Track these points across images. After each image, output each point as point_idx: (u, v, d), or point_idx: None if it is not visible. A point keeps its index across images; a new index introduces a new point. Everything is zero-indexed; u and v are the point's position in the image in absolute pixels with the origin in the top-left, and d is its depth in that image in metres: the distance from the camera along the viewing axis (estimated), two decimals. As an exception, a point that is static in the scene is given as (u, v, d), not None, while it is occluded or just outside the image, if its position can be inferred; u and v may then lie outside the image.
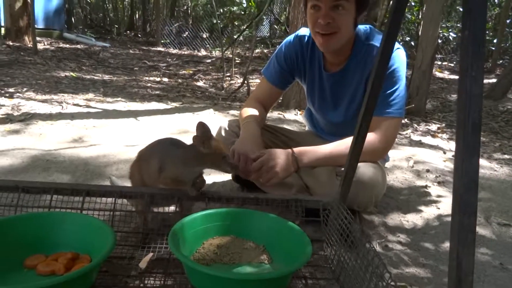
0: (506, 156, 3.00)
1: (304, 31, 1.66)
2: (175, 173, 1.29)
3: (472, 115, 0.74)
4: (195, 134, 1.27)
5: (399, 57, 1.49)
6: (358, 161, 1.34)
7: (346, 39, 1.49)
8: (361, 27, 1.57)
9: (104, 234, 1.09)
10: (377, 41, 1.52)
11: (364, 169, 1.47)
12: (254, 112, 1.69)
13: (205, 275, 0.99)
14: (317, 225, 1.46)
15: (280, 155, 1.45)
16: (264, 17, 10.37)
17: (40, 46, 6.54)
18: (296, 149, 1.50)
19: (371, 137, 1.44)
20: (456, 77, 7.28)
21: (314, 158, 1.50)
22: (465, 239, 0.74)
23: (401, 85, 1.50)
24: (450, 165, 2.57)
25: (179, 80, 5.15)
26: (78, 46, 7.58)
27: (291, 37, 1.68)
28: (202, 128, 1.27)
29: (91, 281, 1.01)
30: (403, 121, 3.92)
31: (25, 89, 3.68)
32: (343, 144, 1.50)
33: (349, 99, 1.62)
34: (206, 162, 1.29)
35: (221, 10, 8.41)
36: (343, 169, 1.46)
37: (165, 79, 5.13)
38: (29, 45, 6.53)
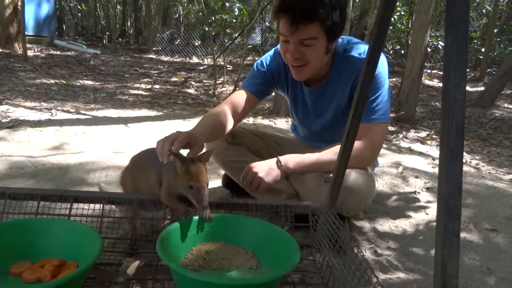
0: (494, 163, 3.04)
1: None
2: (167, 187, 1.24)
3: (455, 119, 0.75)
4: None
5: (380, 63, 1.50)
6: (347, 167, 1.35)
7: (318, 68, 1.48)
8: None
9: (91, 240, 1.08)
10: (355, 50, 1.52)
11: (353, 175, 1.48)
12: (216, 116, 1.59)
13: (192, 281, 0.98)
14: (307, 230, 1.46)
15: (261, 163, 1.49)
16: (256, 25, 10.44)
17: (30, 53, 6.50)
18: (282, 157, 1.51)
19: (358, 144, 1.45)
20: (445, 85, 7.39)
21: (301, 165, 1.51)
22: (450, 243, 0.75)
23: (384, 90, 1.51)
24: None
25: (171, 87, 5.15)
26: (69, 53, 7.55)
27: (271, 53, 1.66)
28: (207, 152, 1.23)
29: (78, 287, 1.00)
30: (393, 128, 3.95)
31: (14, 95, 3.65)
32: (330, 151, 1.51)
33: (333, 110, 1.62)
34: (178, 184, 1.19)
35: (213, 18, 8.45)
36: (331, 175, 1.47)
37: (156, 86, 5.13)
38: (19, 52, 6.48)
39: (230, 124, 1.61)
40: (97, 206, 1.32)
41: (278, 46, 1.66)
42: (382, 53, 1.47)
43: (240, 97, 1.67)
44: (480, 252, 1.61)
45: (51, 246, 1.13)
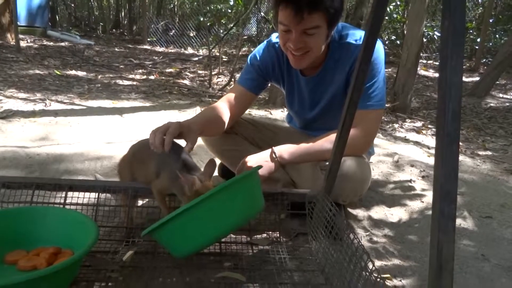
0: (489, 152, 3.05)
1: (276, 38, 1.60)
2: (163, 186, 1.24)
3: (452, 103, 0.75)
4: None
5: (376, 48, 1.49)
6: (343, 155, 1.35)
7: (317, 55, 1.47)
8: None
9: (86, 228, 1.08)
10: (350, 37, 1.51)
11: (349, 162, 1.48)
12: (213, 112, 1.59)
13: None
14: (303, 219, 1.47)
15: (255, 156, 1.50)
16: (251, 15, 10.36)
17: (23, 44, 6.42)
18: (277, 148, 1.51)
19: (352, 131, 1.44)
20: (441, 75, 7.40)
21: (295, 155, 1.51)
22: (445, 226, 0.75)
23: (380, 76, 1.51)
24: (434, 161, 2.61)
25: (166, 78, 5.12)
26: (62, 44, 7.46)
27: (263, 45, 1.64)
28: (208, 167, 1.20)
29: (74, 274, 1.00)
30: (388, 118, 3.96)
31: (6, 86, 3.61)
32: (325, 139, 1.51)
33: (330, 97, 1.62)
34: (182, 200, 1.19)
35: (208, 8, 8.37)
36: (327, 163, 1.47)
37: (151, 77, 5.09)
38: (11, 43, 6.40)
39: (227, 119, 1.60)
40: (93, 195, 1.32)
41: (271, 37, 1.64)
42: (378, 39, 1.46)
43: (236, 93, 1.66)
44: (474, 239, 1.62)
45: (46, 234, 1.13)
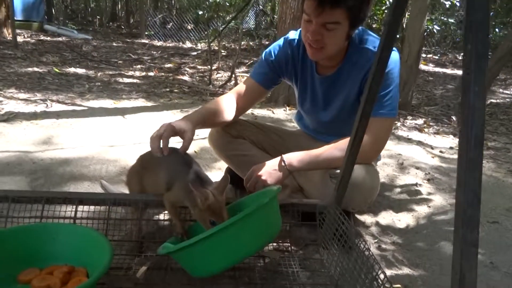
0: (491, 151, 3.06)
1: (293, 35, 1.64)
2: (176, 198, 1.23)
3: (475, 129, 0.74)
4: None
5: (394, 60, 1.49)
6: (354, 165, 1.35)
7: (335, 52, 1.48)
8: None
9: (99, 245, 1.07)
10: (370, 43, 1.51)
11: (359, 171, 1.47)
12: (218, 102, 1.62)
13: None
14: (311, 226, 1.47)
15: (264, 165, 1.50)
16: (249, 9, 10.27)
17: (20, 39, 6.35)
18: (286, 156, 1.50)
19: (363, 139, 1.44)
20: (441, 70, 7.38)
21: (305, 163, 1.51)
22: (468, 253, 0.75)
23: (394, 86, 1.52)
24: (438, 162, 2.61)
25: (165, 74, 5.08)
26: (60, 38, 7.38)
27: (280, 41, 1.66)
28: (222, 182, 1.19)
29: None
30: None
31: (6, 86, 3.57)
32: (335, 147, 1.50)
33: (342, 101, 1.62)
34: (195, 214, 1.19)
35: (207, 3, 8.29)
36: (337, 171, 1.47)
37: (151, 73, 5.05)
38: (8, 38, 6.33)
39: (231, 113, 1.63)
40: (103, 208, 1.31)
41: (288, 34, 1.65)
42: (395, 50, 1.46)
43: (247, 86, 1.68)
44: (482, 246, 1.63)
45: (59, 251, 1.12)
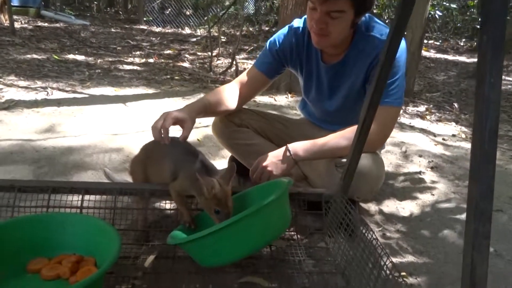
0: (494, 138, 3.05)
1: (298, 23, 1.62)
2: (182, 187, 1.24)
3: (490, 121, 0.74)
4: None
5: (400, 48, 1.47)
6: (361, 155, 1.34)
7: (340, 40, 1.47)
8: None
9: (108, 235, 1.07)
10: (377, 31, 1.50)
11: (365, 160, 1.47)
12: (220, 91, 1.63)
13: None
14: (316, 215, 1.47)
15: (269, 155, 1.50)
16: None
17: (17, 25, 6.26)
18: (291, 145, 1.50)
19: None
20: (443, 56, 7.33)
21: (311, 152, 1.50)
22: (480, 246, 0.75)
23: (401, 75, 1.51)
24: (441, 150, 2.61)
25: (165, 61, 5.04)
26: (57, 24, 7.29)
27: (285, 30, 1.64)
28: (228, 172, 1.19)
29: (102, 284, 1.00)
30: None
31: (6, 73, 3.53)
32: (341, 136, 1.50)
33: (347, 89, 1.61)
34: (201, 203, 1.19)
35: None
36: (343, 160, 1.46)
37: (150, 60, 5.00)
38: (5, 24, 6.23)
39: (233, 102, 1.64)
40: (109, 197, 1.31)
41: (293, 23, 1.63)
42: (403, 39, 1.44)
43: (251, 75, 1.68)
44: (486, 234, 1.64)
45: (67, 241, 1.13)
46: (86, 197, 1.29)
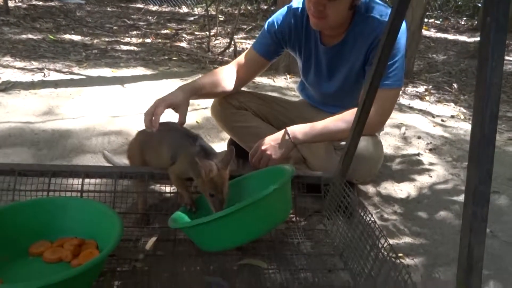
0: (492, 119, 3.05)
1: (297, 3, 1.58)
2: (181, 170, 1.24)
3: (490, 104, 0.74)
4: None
5: (401, 29, 1.45)
6: (360, 138, 1.34)
7: (338, 22, 1.45)
8: None
9: (109, 218, 1.08)
10: (377, 12, 1.47)
11: (364, 143, 1.47)
12: (216, 72, 1.64)
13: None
14: (315, 197, 1.48)
15: (268, 139, 1.50)
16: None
17: (11, 4, 6.13)
18: (290, 128, 1.49)
19: None
20: (443, 35, 7.24)
21: (310, 135, 1.50)
22: (477, 229, 0.76)
23: (400, 57, 1.49)
24: (439, 131, 2.61)
25: (162, 41, 4.97)
26: (52, 3, 7.14)
27: (283, 10, 1.61)
28: (227, 155, 1.20)
29: (103, 267, 1.02)
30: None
31: (1, 54, 3.49)
32: (340, 119, 1.49)
33: (346, 71, 1.60)
34: (198, 184, 1.20)
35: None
36: (342, 143, 1.47)
37: (148, 40, 4.94)
38: (-1, 3, 6.12)
39: (230, 83, 1.63)
40: (109, 180, 1.31)
41: (291, 3, 1.60)
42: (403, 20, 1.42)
43: (249, 57, 1.66)
44: (483, 215, 1.65)
45: (68, 224, 1.14)
46: (86, 180, 1.29)
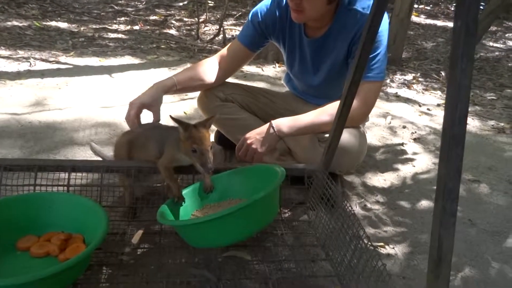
0: (477, 108, 3.10)
1: None
2: (169, 158, 1.27)
3: (460, 105, 0.76)
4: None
5: (382, 21, 1.47)
6: (342, 131, 1.37)
7: (316, 16, 1.47)
8: None
9: (95, 213, 1.10)
10: (359, 5, 1.48)
11: (346, 135, 1.50)
12: (197, 65, 1.67)
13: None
14: (299, 188, 1.51)
15: (254, 132, 1.52)
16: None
17: (-6, -11, 6.01)
18: (275, 122, 1.52)
19: None
20: (434, 22, 7.26)
21: (295, 129, 1.52)
22: (447, 223, 0.80)
23: (382, 49, 1.50)
24: (425, 120, 2.65)
25: (151, 27, 4.92)
26: (37, -12, 7.00)
27: (267, 1, 1.61)
28: (207, 120, 1.26)
29: (89, 261, 1.04)
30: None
31: (-15, 42, 3.44)
32: (324, 112, 1.52)
33: (330, 63, 1.61)
34: (181, 151, 1.23)
35: None
36: (326, 135, 1.49)
37: (136, 27, 4.88)
38: (-18, -12, 5.98)
39: (211, 76, 1.66)
40: (96, 175, 1.33)
41: None
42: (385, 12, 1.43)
43: (233, 49, 1.67)
44: (462, 204, 1.71)
45: (55, 219, 1.15)
46: (73, 174, 1.31)
